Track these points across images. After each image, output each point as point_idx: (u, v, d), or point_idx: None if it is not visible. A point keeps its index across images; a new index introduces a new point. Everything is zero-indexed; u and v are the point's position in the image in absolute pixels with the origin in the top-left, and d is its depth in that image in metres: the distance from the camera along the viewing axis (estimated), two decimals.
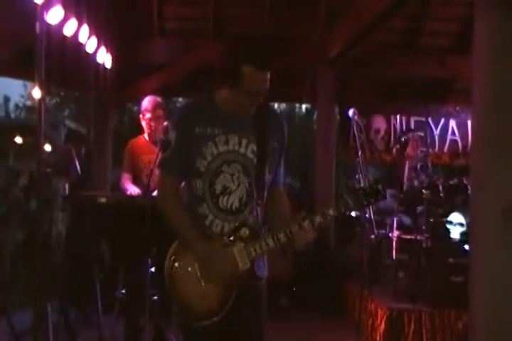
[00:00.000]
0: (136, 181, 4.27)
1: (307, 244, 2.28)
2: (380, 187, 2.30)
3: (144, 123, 4.39)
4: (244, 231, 2.31)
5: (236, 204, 2.34)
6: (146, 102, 4.36)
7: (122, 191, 4.28)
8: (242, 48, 2.26)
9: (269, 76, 2.25)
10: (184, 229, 2.32)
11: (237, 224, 2.33)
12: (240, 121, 2.35)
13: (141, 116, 4.43)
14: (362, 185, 2.30)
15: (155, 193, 3.82)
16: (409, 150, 6.07)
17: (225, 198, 2.33)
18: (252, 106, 2.34)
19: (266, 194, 2.42)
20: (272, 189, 2.47)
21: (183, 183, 2.43)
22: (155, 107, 4.32)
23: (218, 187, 2.33)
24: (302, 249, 2.29)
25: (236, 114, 2.35)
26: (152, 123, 4.31)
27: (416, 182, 5.53)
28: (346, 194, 2.29)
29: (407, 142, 6.17)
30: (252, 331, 2.41)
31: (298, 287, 6.20)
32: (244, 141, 2.34)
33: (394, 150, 6.20)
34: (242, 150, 2.34)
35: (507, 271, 3.57)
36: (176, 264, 2.33)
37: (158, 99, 4.42)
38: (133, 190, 4.16)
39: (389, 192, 5.52)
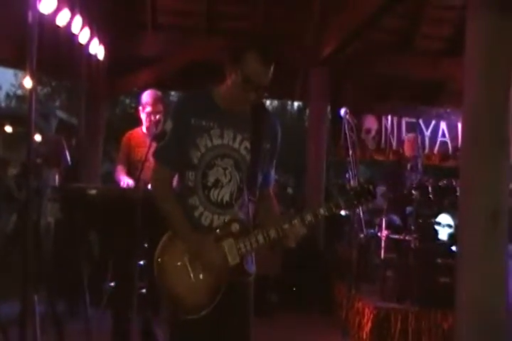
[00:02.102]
0: (131, 173, 4.23)
1: (296, 241, 2.30)
2: (371, 187, 2.32)
3: (143, 117, 4.35)
4: (235, 227, 2.32)
5: (227, 198, 2.35)
6: (147, 96, 4.32)
7: (116, 183, 4.25)
8: (253, 38, 2.32)
9: (270, 73, 2.28)
10: (176, 219, 2.33)
11: (227, 218, 2.33)
12: (236, 118, 2.37)
13: (140, 108, 4.39)
14: (353, 185, 2.33)
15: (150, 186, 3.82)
16: (406, 150, 6.12)
17: (217, 191, 2.34)
18: (247, 99, 2.33)
19: (258, 192, 2.43)
20: (262, 190, 2.48)
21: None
22: (155, 101, 4.28)
23: (211, 180, 2.34)
24: (291, 245, 2.30)
25: (233, 111, 2.37)
26: (152, 117, 4.28)
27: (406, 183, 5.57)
28: (337, 194, 2.32)
29: (403, 142, 6.24)
30: (240, 326, 2.41)
31: (286, 285, 6.21)
32: (238, 137, 2.36)
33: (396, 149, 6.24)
34: (236, 145, 2.36)
35: (493, 273, 3.60)
36: (166, 257, 2.33)
37: (159, 93, 4.38)
38: (126, 181, 4.13)
39: (379, 191, 5.56)
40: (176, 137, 2.33)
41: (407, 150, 6.10)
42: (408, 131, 7.68)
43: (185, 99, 2.52)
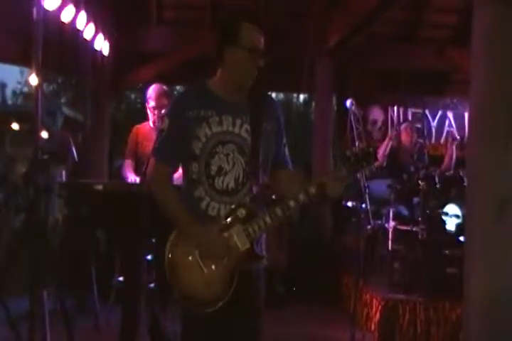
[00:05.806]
0: (138, 168, 4.22)
1: (339, 194, 2.32)
2: (370, 150, 2.32)
3: (148, 111, 4.36)
4: (241, 212, 2.31)
5: (232, 184, 2.34)
6: (151, 90, 4.31)
7: (123, 179, 4.25)
8: (239, 12, 2.45)
9: (262, 41, 2.35)
10: (178, 214, 2.33)
11: (233, 206, 2.33)
12: (233, 103, 2.38)
13: (146, 103, 4.39)
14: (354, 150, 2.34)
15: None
16: (403, 139, 6.10)
17: (221, 179, 2.34)
18: (254, 72, 2.36)
19: (261, 174, 2.41)
20: (283, 170, 2.51)
21: (181, 168, 2.44)
22: (159, 95, 4.27)
23: (214, 168, 2.34)
24: (336, 196, 2.31)
25: (230, 97, 2.38)
26: (156, 111, 4.27)
27: (412, 171, 5.54)
28: (339, 162, 2.32)
29: (399, 131, 6.22)
30: (252, 316, 2.41)
31: (294, 276, 6.22)
32: (238, 121, 2.36)
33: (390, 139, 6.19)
34: (236, 130, 2.36)
35: (501, 263, 3.58)
36: (176, 254, 2.33)
37: (164, 88, 4.35)
38: (133, 178, 4.13)
39: (385, 182, 5.54)
40: (174, 133, 2.35)
41: (404, 139, 6.09)
42: (414, 121, 7.66)
43: (180, 95, 2.59)
